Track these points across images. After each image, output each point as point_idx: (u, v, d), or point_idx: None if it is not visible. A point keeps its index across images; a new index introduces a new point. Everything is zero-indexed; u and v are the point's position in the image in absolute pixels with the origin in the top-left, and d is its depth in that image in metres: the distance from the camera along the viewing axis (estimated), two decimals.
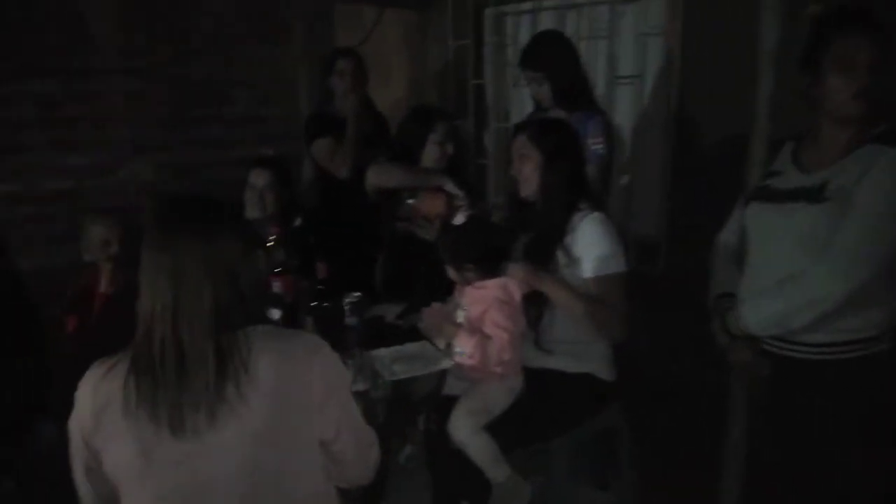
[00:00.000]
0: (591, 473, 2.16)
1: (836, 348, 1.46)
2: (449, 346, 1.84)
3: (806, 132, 1.56)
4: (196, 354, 1.04)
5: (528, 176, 1.93)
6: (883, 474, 1.44)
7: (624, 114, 2.91)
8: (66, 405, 1.11)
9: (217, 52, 2.98)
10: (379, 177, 2.42)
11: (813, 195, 1.45)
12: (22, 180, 2.57)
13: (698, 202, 2.40)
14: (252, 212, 2.45)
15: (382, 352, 1.90)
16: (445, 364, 1.87)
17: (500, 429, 1.77)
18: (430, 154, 2.38)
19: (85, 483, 1.14)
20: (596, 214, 1.88)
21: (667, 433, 2.22)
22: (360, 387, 1.70)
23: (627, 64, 2.90)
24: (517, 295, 1.80)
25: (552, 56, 2.40)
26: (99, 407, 1.06)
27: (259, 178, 2.48)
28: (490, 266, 1.82)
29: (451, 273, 1.86)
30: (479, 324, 1.79)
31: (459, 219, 1.89)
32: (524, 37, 3.20)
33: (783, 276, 1.47)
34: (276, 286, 1.96)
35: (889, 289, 1.43)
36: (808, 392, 1.51)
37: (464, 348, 1.75)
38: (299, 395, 1.11)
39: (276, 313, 1.80)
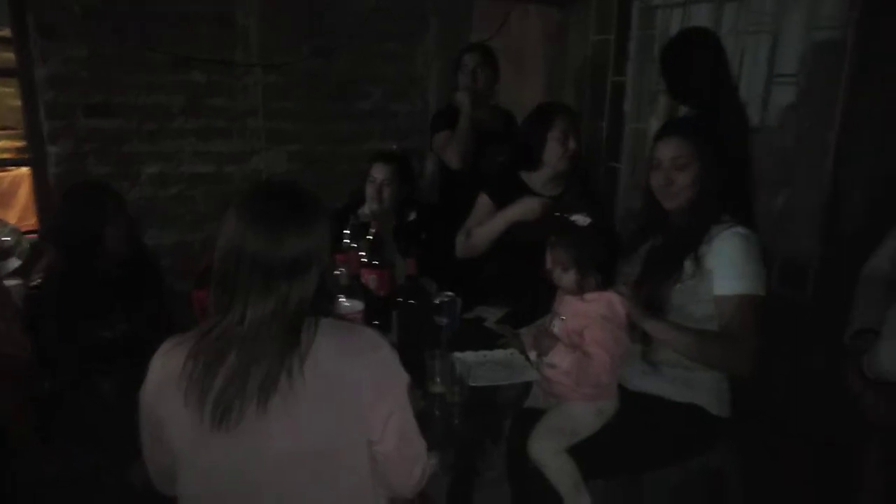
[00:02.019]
0: None
1: None
2: (540, 357, 1.73)
3: None
4: (257, 344, 1.05)
5: (683, 187, 1.74)
6: None
7: (782, 117, 2.58)
8: None
9: (354, 48, 3.07)
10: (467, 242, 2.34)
11: None
12: (170, 162, 2.82)
13: (860, 222, 2.05)
14: (371, 204, 2.49)
15: (469, 355, 1.83)
16: (531, 376, 1.76)
17: (585, 454, 1.63)
18: (551, 153, 2.26)
19: (149, 451, 1.20)
20: (740, 229, 1.68)
21: (785, 484, 1.92)
22: (438, 389, 1.64)
23: (791, 62, 2.56)
24: (623, 314, 1.65)
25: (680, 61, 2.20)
26: (162, 380, 1.10)
27: (379, 173, 2.51)
28: (607, 277, 1.69)
29: (559, 277, 1.72)
30: (576, 338, 1.67)
31: (581, 220, 1.72)
32: (675, 31, 2.96)
33: None
34: (372, 280, 1.96)
35: None
36: None
37: (561, 363, 1.64)
38: (350, 390, 1.09)
39: (358, 305, 1.79)
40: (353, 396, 1.09)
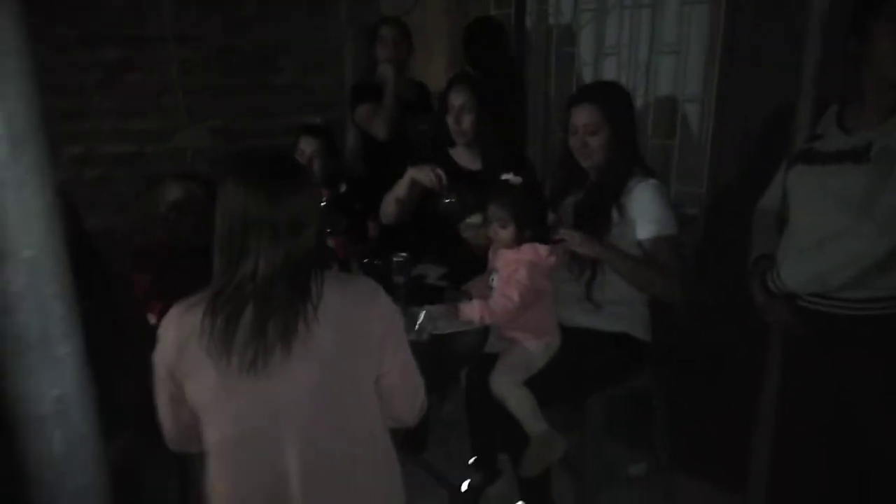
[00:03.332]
0: (625, 431, 2.23)
1: (876, 304, 1.49)
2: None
3: (850, 95, 1.57)
4: (272, 296, 1.14)
5: (596, 149, 1.95)
6: None
7: (666, 84, 2.90)
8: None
9: (267, 20, 3.05)
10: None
11: (857, 156, 1.47)
12: (88, 144, 2.71)
13: (741, 171, 2.40)
14: None
15: (427, 308, 1.98)
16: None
17: (538, 384, 1.84)
18: (451, 128, 2.30)
19: (168, 413, 1.26)
20: (651, 181, 1.94)
21: (700, 395, 2.27)
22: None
23: (671, 34, 2.88)
24: (546, 258, 1.84)
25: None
26: (181, 340, 1.17)
27: (307, 146, 2.55)
28: (540, 230, 1.87)
29: (496, 233, 1.89)
30: (508, 284, 1.83)
31: (513, 179, 1.88)
32: (566, 6, 3.20)
33: (825, 236, 1.50)
34: (331, 245, 2.05)
35: None
36: (847, 346, 1.54)
37: (472, 315, 1.78)
38: (361, 328, 1.22)
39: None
40: (365, 333, 1.22)
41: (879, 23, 1.43)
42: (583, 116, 1.95)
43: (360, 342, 1.22)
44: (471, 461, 2.07)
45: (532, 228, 1.87)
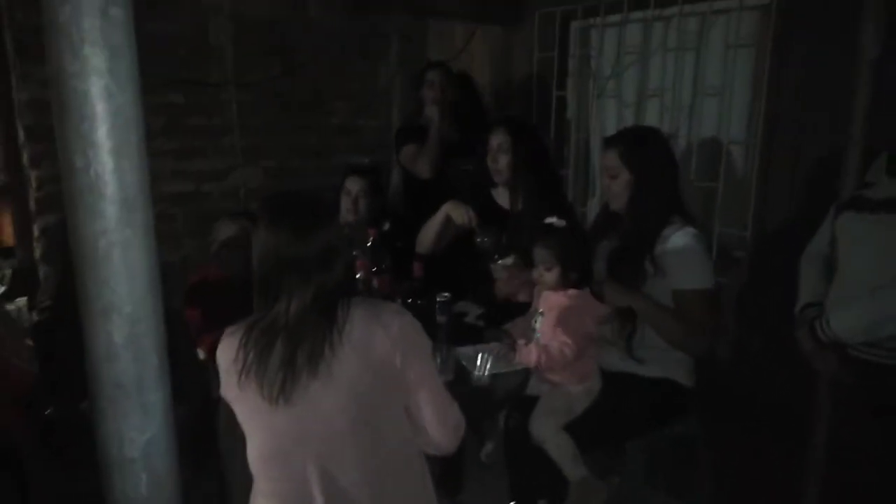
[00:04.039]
0: (666, 478, 2.18)
1: None
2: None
3: None
4: (302, 327, 1.21)
5: (619, 193, 1.95)
6: None
7: (710, 126, 2.91)
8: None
9: (320, 66, 3.19)
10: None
11: None
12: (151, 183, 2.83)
13: (787, 214, 2.38)
14: (346, 216, 2.60)
15: (468, 349, 2.00)
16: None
17: (579, 429, 1.83)
18: (490, 169, 2.40)
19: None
20: (689, 229, 1.90)
21: (744, 441, 2.22)
22: (446, 378, 1.80)
23: (714, 76, 2.89)
24: (598, 305, 1.85)
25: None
26: (224, 367, 1.26)
27: (354, 185, 2.63)
28: (585, 273, 1.88)
29: (541, 276, 1.90)
30: (553, 329, 1.85)
31: (557, 222, 1.89)
32: (609, 49, 3.25)
33: (875, 285, 1.49)
34: (375, 283, 2.11)
35: None
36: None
37: (529, 359, 1.82)
38: (383, 351, 1.24)
39: None
40: (386, 356, 1.24)
41: None
42: (605, 160, 1.97)
43: (383, 365, 1.25)
44: None
45: (577, 271, 1.88)
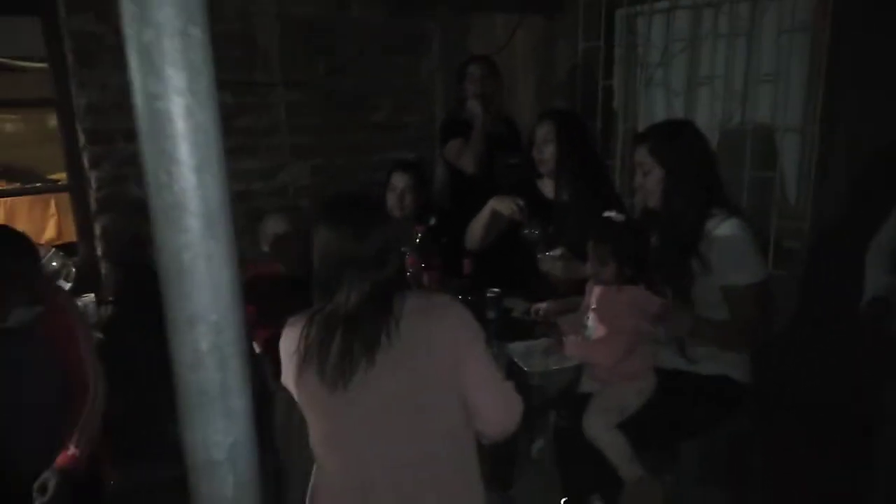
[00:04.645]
0: (720, 477, 2.14)
1: None
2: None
3: None
4: (359, 320, 1.26)
5: (652, 189, 1.90)
6: None
7: (763, 113, 2.82)
8: None
9: (363, 64, 3.22)
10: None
11: None
12: None
13: (844, 204, 2.30)
14: (393, 212, 2.63)
15: (518, 345, 2.01)
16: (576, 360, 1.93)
17: (633, 427, 1.81)
18: (536, 160, 2.41)
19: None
20: (733, 220, 1.82)
21: (803, 441, 2.16)
22: None
23: (769, 62, 2.81)
24: (652, 305, 1.79)
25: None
26: (286, 355, 1.33)
27: (400, 181, 2.66)
28: (641, 268, 1.82)
29: (597, 272, 1.85)
30: (604, 325, 1.83)
31: (616, 216, 1.84)
32: (656, 37, 3.18)
33: None
34: (425, 279, 2.13)
35: None
36: None
37: (574, 354, 1.83)
38: (436, 340, 1.29)
39: None
40: (440, 345, 1.29)
41: None
42: (637, 155, 1.93)
43: (438, 353, 1.29)
44: (562, 502, 2.05)
45: (633, 267, 1.82)
